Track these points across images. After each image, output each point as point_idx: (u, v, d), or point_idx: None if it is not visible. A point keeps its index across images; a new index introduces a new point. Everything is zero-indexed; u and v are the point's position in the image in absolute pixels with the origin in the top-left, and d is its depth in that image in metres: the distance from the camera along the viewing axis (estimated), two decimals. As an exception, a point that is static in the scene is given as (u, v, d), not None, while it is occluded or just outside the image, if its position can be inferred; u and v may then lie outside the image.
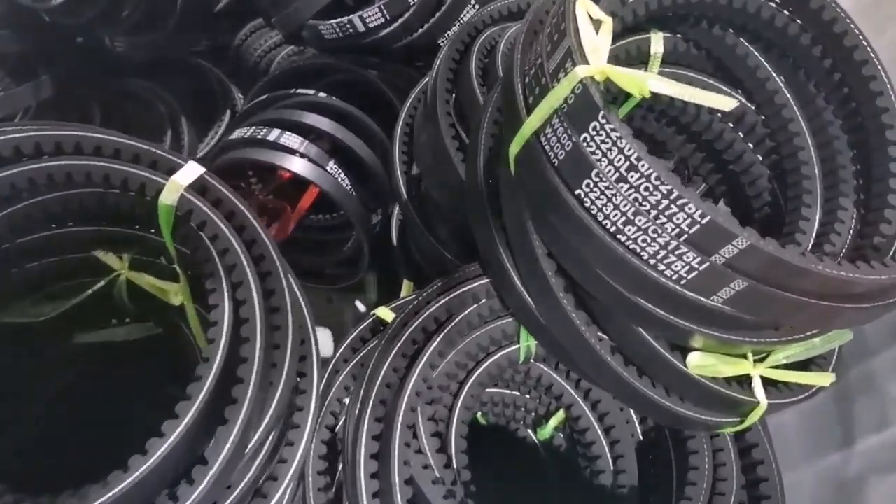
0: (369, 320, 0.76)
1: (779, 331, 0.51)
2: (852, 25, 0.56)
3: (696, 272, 0.44)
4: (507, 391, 0.82)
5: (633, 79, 0.44)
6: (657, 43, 0.64)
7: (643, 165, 0.42)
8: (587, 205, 0.47)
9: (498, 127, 0.62)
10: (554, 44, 0.49)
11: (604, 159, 0.44)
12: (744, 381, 0.54)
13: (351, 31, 1.05)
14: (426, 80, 0.88)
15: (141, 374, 0.73)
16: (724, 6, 0.59)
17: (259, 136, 0.95)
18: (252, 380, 0.49)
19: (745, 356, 0.54)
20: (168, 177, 0.54)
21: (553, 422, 0.81)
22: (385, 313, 0.73)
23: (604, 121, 0.43)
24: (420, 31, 1.06)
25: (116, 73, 1.15)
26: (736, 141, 0.67)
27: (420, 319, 0.62)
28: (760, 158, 0.67)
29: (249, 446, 0.50)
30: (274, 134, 0.96)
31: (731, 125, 0.67)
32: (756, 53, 0.63)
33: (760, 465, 0.61)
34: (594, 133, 0.44)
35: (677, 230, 0.43)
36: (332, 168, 0.97)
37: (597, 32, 0.47)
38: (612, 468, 0.71)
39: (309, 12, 1.05)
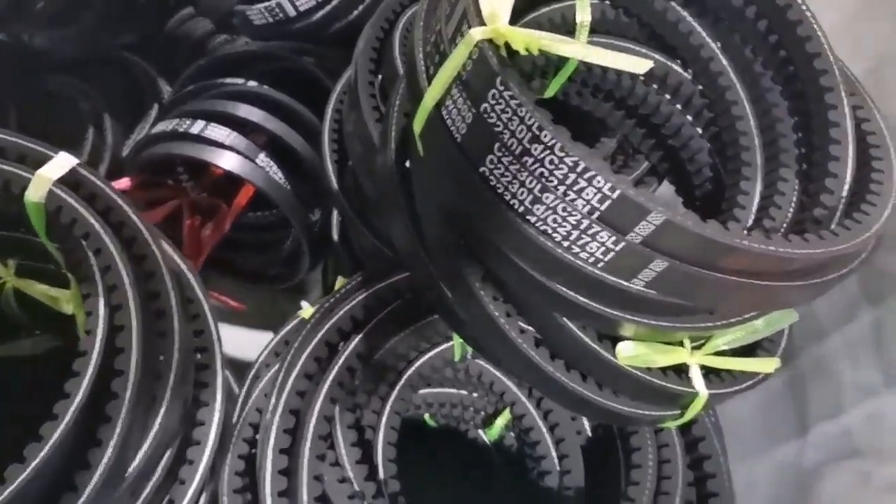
0: (295, 321, 0.70)
1: (714, 315, 0.47)
2: (783, -18, 0.52)
3: (613, 253, 0.40)
4: (454, 391, 0.77)
5: (525, 37, 0.39)
6: (583, 10, 0.59)
7: (545, 135, 0.37)
8: (493, 183, 0.42)
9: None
10: (452, 6, 0.43)
11: (506, 131, 0.39)
12: (681, 371, 0.50)
13: (281, 15, 0.99)
14: (355, 63, 0.83)
15: (43, 391, 0.67)
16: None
17: (182, 129, 0.89)
18: (127, 395, 0.43)
19: (681, 343, 0.49)
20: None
21: (500, 421, 0.76)
22: (309, 313, 0.67)
23: (502, 87, 0.38)
24: (356, 13, 1.00)
25: (35, 71, 1.08)
26: (674, 114, 0.63)
27: (335, 319, 0.57)
28: (700, 132, 0.62)
29: (130, 469, 0.45)
30: (198, 126, 0.89)
31: (669, 97, 0.63)
32: (689, 19, 0.58)
33: (707, 461, 0.57)
34: (494, 102, 0.39)
35: (588, 207, 0.39)
36: (262, 161, 0.92)
37: (498, -9, 0.42)
38: (557, 469, 0.67)
39: (234, -4, 0.99)
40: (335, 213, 1.03)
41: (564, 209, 0.39)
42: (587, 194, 0.38)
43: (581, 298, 0.45)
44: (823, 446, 0.58)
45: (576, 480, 0.64)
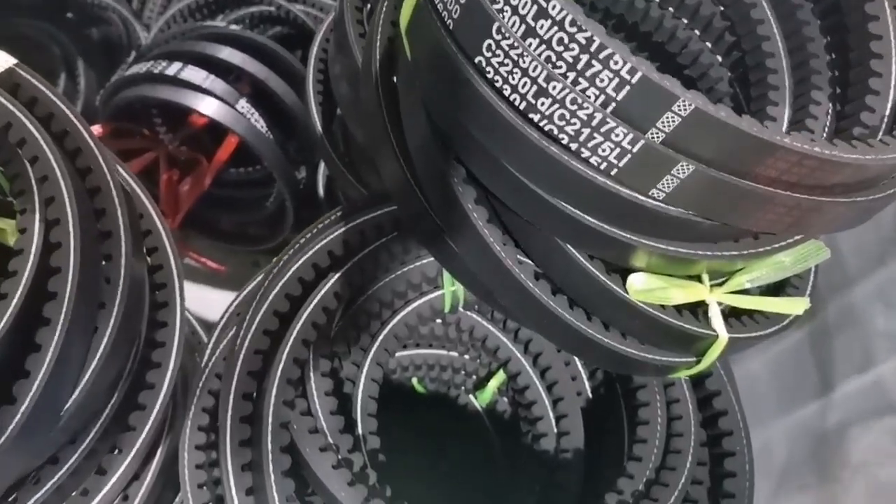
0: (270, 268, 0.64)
1: (739, 242, 0.41)
2: None
3: (630, 155, 0.34)
4: (444, 352, 0.72)
5: None
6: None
7: (554, 7, 0.32)
8: (490, 75, 0.36)
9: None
10: None
11: (506, 8, 0.33)
12: (699, 310, 0.44)
13: (266, -45, 0.93)
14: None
15: None
16: None
17: (156, 71, 0.83)
18: (61, 320, 0.37)
19: (699, 279, 0.44)
20: (-34, 71, 0.42)
21: (494, 382, 0.71)
22: (286, 258, 0.61)
23: (503, -46, 0.33)
24: (346, -45, 0.94)
25: (4, 14, 1.01)
26: (691, 40, 0.57)
27: (310, 253, 0.51)
28: (720, 59, 0.56)
29: (66, 408, 0.39)
30: (174, 68, 0.83)
31: (686, 21, 0.57)
32: (711, -72, 0.53)
33: (723, 417, 0.51)
34: (493, -25, 0.33)
35: (602, 97, 0.33)
36: (242, 107, 0.85)
37: None
38: (555, 431, 0.61)
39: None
40: (321, 169, 0.97)
41: (574, 101, 0.33)
42: (601, 80, 0.32)
43: (589, 219, 0.39)
44: (850, 404, 0.53)
45: (574, 442, 0.59)
